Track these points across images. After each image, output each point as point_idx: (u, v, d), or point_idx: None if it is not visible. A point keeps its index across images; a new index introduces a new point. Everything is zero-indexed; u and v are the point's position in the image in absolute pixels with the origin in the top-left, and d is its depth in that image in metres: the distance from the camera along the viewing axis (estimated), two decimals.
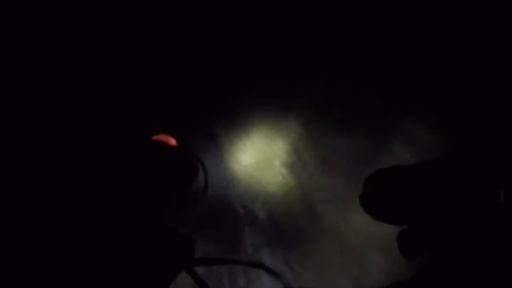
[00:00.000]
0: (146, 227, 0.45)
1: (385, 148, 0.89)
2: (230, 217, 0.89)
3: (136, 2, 0.95)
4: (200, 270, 0.58)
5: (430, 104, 0.87)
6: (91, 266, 0.36)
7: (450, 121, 0.84)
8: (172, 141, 0.55)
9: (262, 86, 0.98)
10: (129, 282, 0.40)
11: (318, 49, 1.00)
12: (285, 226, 0.87)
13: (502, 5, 0.85)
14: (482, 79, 0.84)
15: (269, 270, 0.60)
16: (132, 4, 0.95)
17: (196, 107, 0.96)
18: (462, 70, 0.87)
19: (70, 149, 0.43)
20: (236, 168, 0.95)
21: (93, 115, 0.83)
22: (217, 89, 0.97)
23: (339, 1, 0.99)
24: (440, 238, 0.60)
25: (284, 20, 0.99)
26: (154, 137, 0.55)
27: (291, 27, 1.00)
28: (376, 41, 0.97)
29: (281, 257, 0.84)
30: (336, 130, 0.95)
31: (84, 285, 0.36)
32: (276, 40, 1.00)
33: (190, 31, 0.98)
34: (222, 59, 0.99)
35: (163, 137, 0.55)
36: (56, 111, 0.79)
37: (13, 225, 0.34)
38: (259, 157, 0.96)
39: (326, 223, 0.86)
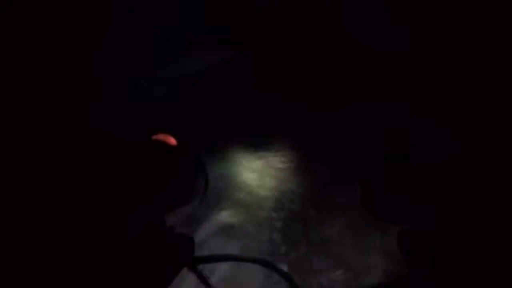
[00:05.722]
0: (145, 226, 0.45)
1: (384, 148, 0.90)
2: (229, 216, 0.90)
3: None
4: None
5: (430, 104, 0.88)
6: (91, 266, 0.36)
7: (450, 121, 0.84)
8: (172, 141, 0.55)
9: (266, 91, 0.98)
10: (130, 282, 0.40)
11: None
12: (282, 229, 0.88)
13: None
14: (481, 80, 0.84)
15: (273, 267, 0.60)
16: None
17: (197, 106, 0.96)
18: (461, 70, 0.87)
19: (68, 150, 0.43)
20: (235, 168, 0.95)
21: (92, 115, 0.83)
22: (219, 89, 0.97)
23: None
24: (440, 238, 0.60)
25: None
26: (154, 137, 0.55)
27: None
28: None
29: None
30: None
31: (84, 285, 0.36)
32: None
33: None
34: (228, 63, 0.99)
35: (163, 137, 0.55)
36: (55, 111, 0.79)
37: (12, 227, 0.34)
38: (258, 159, 0.96)
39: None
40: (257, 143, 0.96)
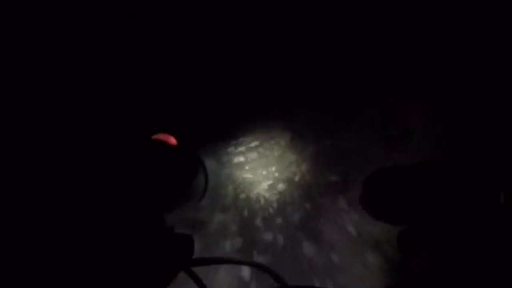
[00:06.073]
0: (145, 226, 0.45)
1: (384, 148, 0.90)
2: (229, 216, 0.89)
3: None
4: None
5: (429, 103, 0.88)
6: (90, 266, 0.36)
7: (450, 120, 0.84)
8: (172, 141, 0.55)
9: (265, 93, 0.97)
10: (129, 282, 0.40)
11: None
12: (283, 226, 0.87)
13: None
14: (481, 79, 0.84)
15: (269, 271, 0.60)
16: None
17: (197, 106, 0.96)
18: (461, 69, 0.87)
19: (69, 149, 0.43)
20: (235, 168, 0.95)
21: (92, 114, 0.83)
22: (219, 90, 0.97)
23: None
24: (440, 238, 0.60)
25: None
26: (154, 137, 0.55)
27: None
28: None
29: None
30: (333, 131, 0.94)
31: (83, 285, 0.36)
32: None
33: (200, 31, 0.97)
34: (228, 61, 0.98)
35: (163, 137, 0.55)
36: (55, 110, 0.79)
37: (13, 226, 0.34)
38: (258, 159, 0.96)
39: (324, 219, 0.86)
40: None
